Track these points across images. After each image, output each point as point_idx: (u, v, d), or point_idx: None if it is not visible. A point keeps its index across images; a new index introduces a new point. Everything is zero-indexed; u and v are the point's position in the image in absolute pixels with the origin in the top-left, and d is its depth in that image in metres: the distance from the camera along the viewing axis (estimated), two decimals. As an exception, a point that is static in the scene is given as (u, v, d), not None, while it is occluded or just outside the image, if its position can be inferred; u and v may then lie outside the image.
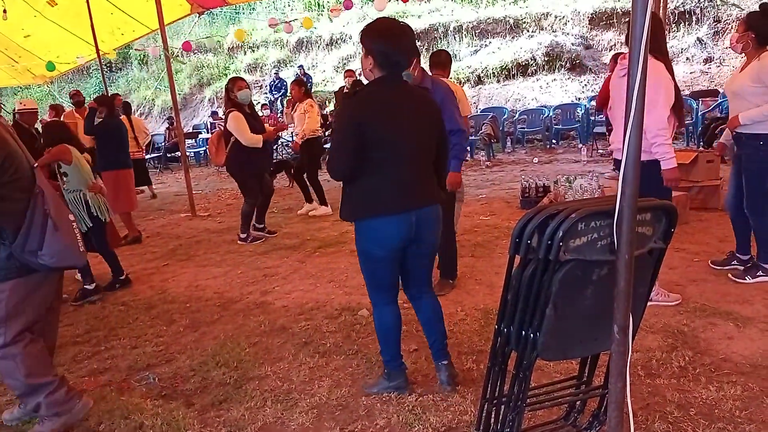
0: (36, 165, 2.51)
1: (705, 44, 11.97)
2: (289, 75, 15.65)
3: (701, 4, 12.27)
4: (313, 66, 16.12)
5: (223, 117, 5.72)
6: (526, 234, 1.82)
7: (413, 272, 2.57)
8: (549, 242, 1.76)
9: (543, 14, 14.02)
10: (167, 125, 14.20)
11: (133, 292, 4.56)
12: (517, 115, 11.94)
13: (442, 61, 4.87)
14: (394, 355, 2.63)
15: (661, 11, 7.15)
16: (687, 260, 4.12)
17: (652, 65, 3.23)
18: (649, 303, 3.25)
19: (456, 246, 4.09)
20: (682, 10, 12.30)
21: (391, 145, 2.32)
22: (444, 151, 2.57)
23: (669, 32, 11.48)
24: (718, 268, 3.89)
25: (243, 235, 5.78)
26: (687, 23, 12.26)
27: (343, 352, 3.13)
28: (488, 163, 9.81)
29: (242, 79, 5.60)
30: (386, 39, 2.30)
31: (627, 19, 3.09)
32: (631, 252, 1.70)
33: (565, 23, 13.73)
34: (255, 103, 7.19)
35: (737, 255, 3.82)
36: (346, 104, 2.39)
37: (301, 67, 15.15)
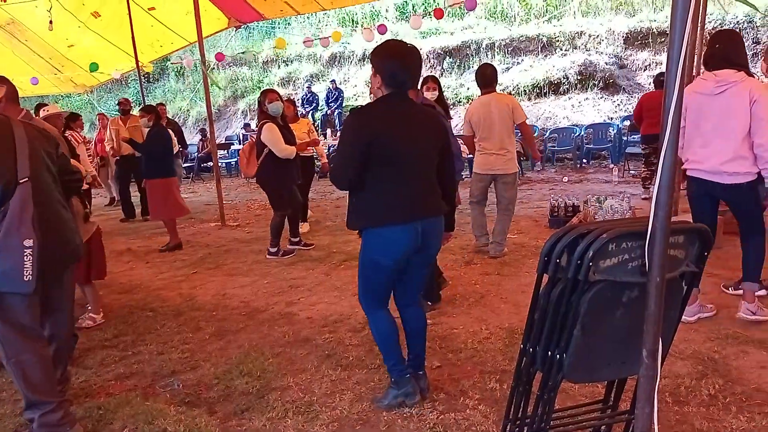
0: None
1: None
2: (321, 89, 15.84)
3: (740, 26, 12.05)
4: (345, 81, 16.29)
5: (256, 129, 5.80)
6: (556, 253, 1.80)
7: (410, 282, 2.65)
8: (579, 262, 1.73)
9: (577, 33, 13.94)
10: (200, 136, 14.48)
11: (162, 299, 4.63)
12: (547, 134, 11.85)
13: (489, 75, 5.08)
14: (397, 361, 2.65)
15: (698, 32, 7.04)
16: (719, 286, 4.01)
17: (759, 84, 3.25)
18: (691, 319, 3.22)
19: (435, 267, 3.96)
20: (721, 28, 12.09)
21: (397, 158, 2.40)
22: (448, 165, 2.63)
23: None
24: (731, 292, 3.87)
25: (273, 249, 5.76)
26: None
27: (365, 366, 3.13)
28: (517, 181, 9.72)
29: (274, 91, 5.68)
30: (394, 59, 2.41)
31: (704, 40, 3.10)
32: (662, 275, 1.67)
33: (600, 42, 13.62)
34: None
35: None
36: (354, 118, 2.46)
37: (333, 81, 15.33)
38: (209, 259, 5.90)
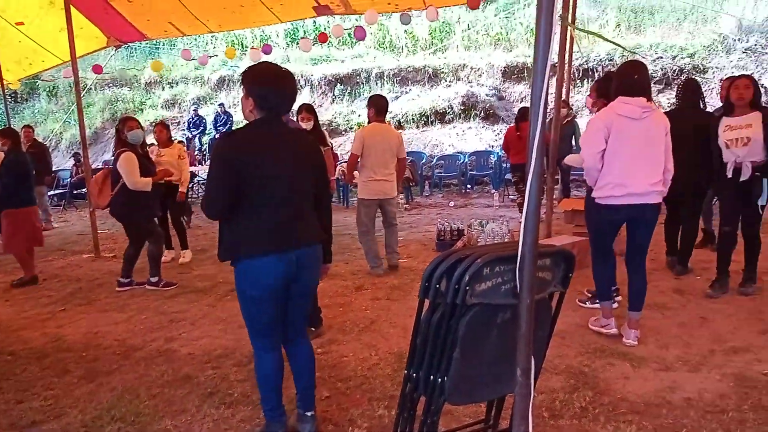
0: None
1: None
2: (209, 112, 15.39)
3: (602, 63, 13.31)
4: (235, 104, 15.96)
5: (113, 157, 5.40)
6: (435, 278, 1.85)
7: (290, 315, 2.52)
8: (456, 286, 1.79)
9: (460, 65, 14.72)
10: (74, 161, 13.44)
11: (23, 340, 4.18)
12: (434, 160, 12.32)
13: (384, 105, 5.37)
14: (275, 405, 2.52)
15: (566, 68, 7.70)
16: (577, 305, 4.29)
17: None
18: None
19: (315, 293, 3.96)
20: (586, 67, 13.28)
21: (268, 184, 2.30)
22: (324, 191, 2.61)
23: (573, 87, 12.34)
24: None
25: (153, 279, 5.42)
26: (590, 79, 13.24)
27: (251, 402, 3.00)
28: (407, 206, 9.99)
29: (134, 119, 5.34)
30: (267, 82, 2.34)
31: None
32: (532, 296, 1.76)
33: (480, 75, 14.47)
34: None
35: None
36: (221, 142, 2.37)
37: (221, 105, 14.95)
38: (80, 294, 5.44)
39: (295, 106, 3.71)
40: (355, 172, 5.61)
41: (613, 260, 3.69)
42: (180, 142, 11.92)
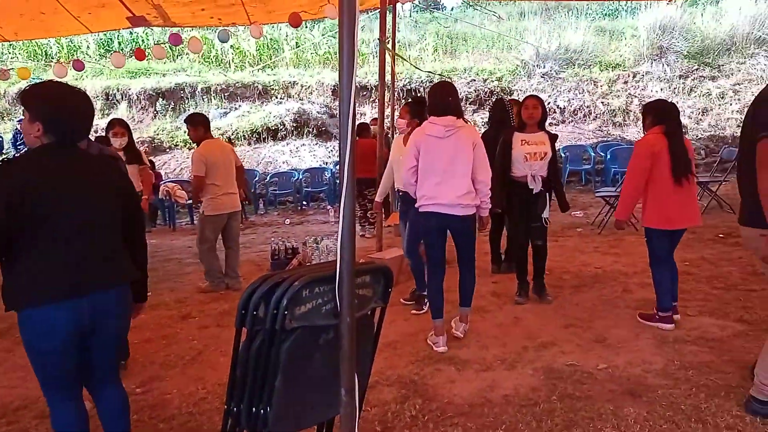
0: None
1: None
2: (7, 129, 13.58)
3: (424, 84, 14.19)
4: (38, 121, 14.26)
5: None
6: (252, 304, 1.76)
7: (94, 362, 2.20)
8: (275, 311, 1.72)
9: (290, 83, 14.72)
10: None
11: None
12: (269, 178, 12.13)
13: (208, 121, 5.34)
14: None
15: (391, 89, 8.07)
16: (409, 313, 4.47)
17: (476, 130, 3.82)
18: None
19: None
20: (409, 88, 14.05)
21: (55, 220, 1.99)
22: (136, 223, 2.30)
23: (400, 107, 12.98)
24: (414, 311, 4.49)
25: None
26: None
27: (54, 459, 2.62)
28: (240, 225, 9.65)
29: None
30: (58, 105, 2.05)
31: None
32: (352, 314, 1.75)
33: (311, 92, 14.60)
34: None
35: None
36: None
37: (20, 121, 13.23)
38: None
39: (103, 123, 3.39)
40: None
41: (442, 274, 3.85)
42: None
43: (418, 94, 13.55)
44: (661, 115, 3.82)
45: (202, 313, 4.84)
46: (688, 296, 4.42)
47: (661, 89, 13.66)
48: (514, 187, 4.43)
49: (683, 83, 13.73)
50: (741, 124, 2.91)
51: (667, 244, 3.86)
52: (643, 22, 14.53)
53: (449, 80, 5.01)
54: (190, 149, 11.51)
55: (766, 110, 2.54)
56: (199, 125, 5.28)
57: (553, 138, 4.48)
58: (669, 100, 4.26)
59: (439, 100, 3.65)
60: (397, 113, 12.49)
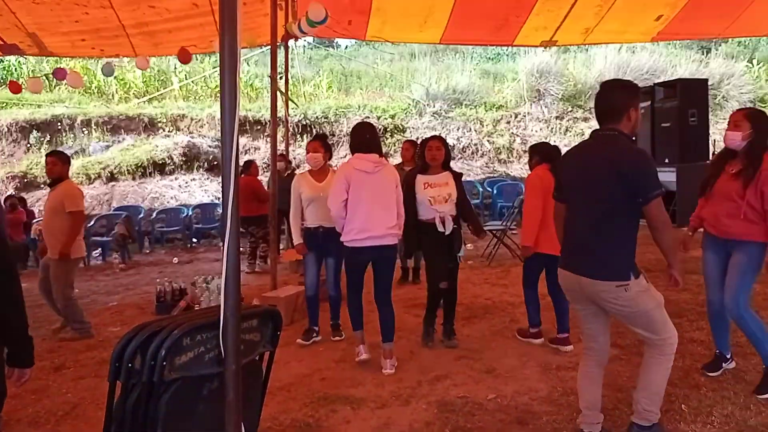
0: None
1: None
2: None
3: (319, 120, 14.29)
4: None
5: None
6: (127, 356, 1.64)
7: None
8: (152, 362, 1.62)
9: (179, 115, 14.22)
10: None
11: None
12: (155, 214, 11.52)
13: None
14: None
15: (287, 125, 8.06)
16: (304, 354, 4.35)
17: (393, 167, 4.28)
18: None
19: None
20: (305, 123, 14.06)
21: None
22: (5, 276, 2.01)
23: (295, 142, 12.95)
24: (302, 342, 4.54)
25: None
26: (308, 134, 14.06)
27: None
28: (122, 265, 9.05)
29: None
30: None
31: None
32: (238, 362, 1.69)
33: (202, 126, 14.19)
34: None
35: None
36: None
37: None
38: None
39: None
40: None
41: (361, 292, 4.07)
42: None
43: (314, 130, 13.62)
44: (546, 156, 4.28)
45: (77, 363, 4.44)
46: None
47: (540, 129, 14.73)
48: (424, 229, 4.29)
49: (559, 123, 14.90)
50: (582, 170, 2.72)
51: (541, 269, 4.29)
52: (522, 67, 15.67)
53: (369, 120, 5.18)
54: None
55: (635, 174, 2.47)
56: (65, 162, 5.14)
57: (458, 177, 4.43)
58: (551, 142, 4.69)
59: (364, 138, 3.92)
60: (301, 149, 12.52)
